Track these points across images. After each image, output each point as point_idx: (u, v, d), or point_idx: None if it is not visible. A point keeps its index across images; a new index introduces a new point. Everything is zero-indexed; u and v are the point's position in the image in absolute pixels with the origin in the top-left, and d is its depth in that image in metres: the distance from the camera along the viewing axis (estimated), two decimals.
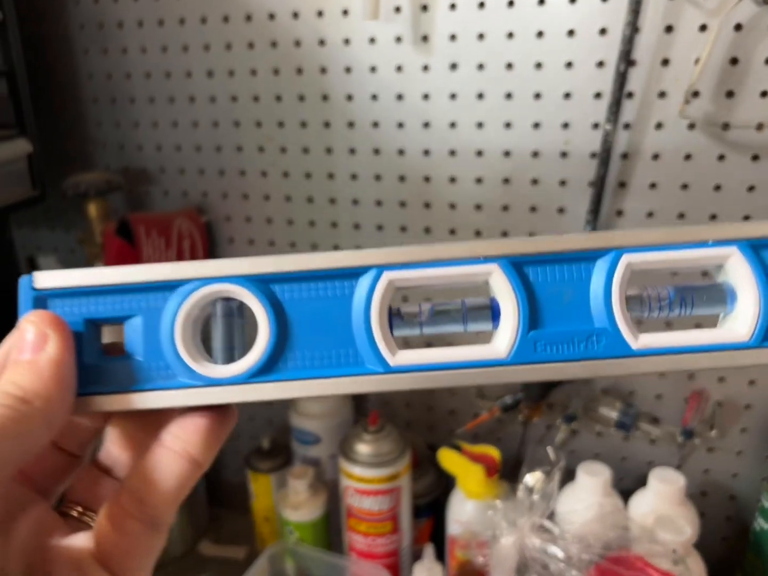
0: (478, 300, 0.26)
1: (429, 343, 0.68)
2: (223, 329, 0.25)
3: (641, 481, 0.63)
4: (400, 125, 0.66)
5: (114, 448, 0.26)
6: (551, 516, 0.54)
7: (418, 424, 0.78)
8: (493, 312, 0.25)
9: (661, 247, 0.24)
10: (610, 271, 0.24)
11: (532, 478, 0.54)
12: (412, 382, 0.24)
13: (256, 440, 0.80)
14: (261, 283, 0.24)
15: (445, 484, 0.71)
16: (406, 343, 0.69)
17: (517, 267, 0.24)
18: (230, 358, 0.25)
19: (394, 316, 0.25)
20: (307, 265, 0.24)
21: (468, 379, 0.24)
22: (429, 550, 0.63)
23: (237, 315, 0.25)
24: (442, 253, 0.24)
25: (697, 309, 0.25)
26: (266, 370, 0.24)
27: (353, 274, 0.24)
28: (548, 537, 0.50)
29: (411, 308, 0.25)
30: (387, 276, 0.24)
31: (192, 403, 0.24)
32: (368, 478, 0.64)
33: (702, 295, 0.25)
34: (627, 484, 0.68)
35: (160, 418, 0.24)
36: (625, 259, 0.24)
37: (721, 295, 0.25)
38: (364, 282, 0.24)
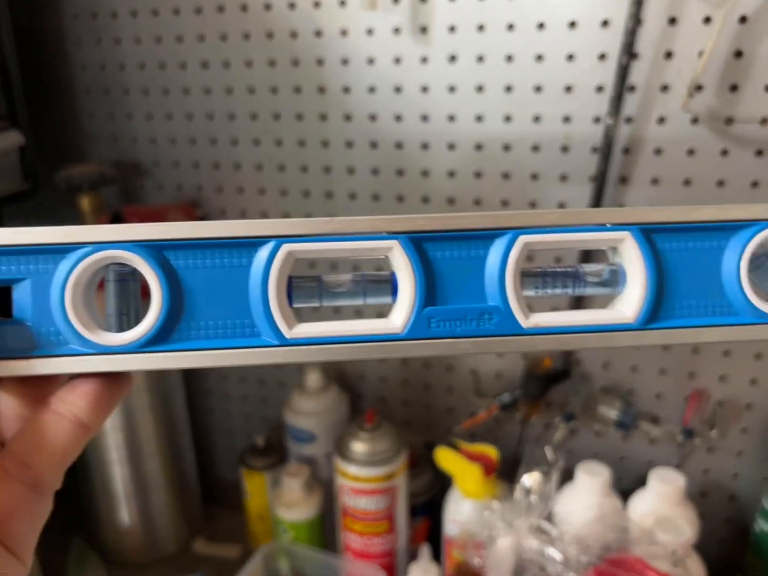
0: (379, 274, 0.26)
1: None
2: (116, 295, 0.24)
3: (641, 481, 0.63)
4: (398, 118, 0.65)
5: (1, 418, 0.25)
6: (549, 517, 0.53)
7: (416, 423, 0.77)
8: (392, 287, 0.25)
9: (558, 229, 0.24)
10: (506, 250, 0.24)
11: (529, 479, 0.53)
12: (308, 355, 0.24)
13: (251, 438, 0.79)
14: (154, 250, 0.23)
15: (443, 483, 0.70)
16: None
17: (417, 244, 0.24)
18: (124, 324, 0.24)
19: (294, 287, 0.25)
20: (203, 233, 0.23)
21: (364, 353, 0.24)
22: (425, 551, 0.62)
23: (132, 281, 0.25)
24: (344, 227, 0.24)
25: (591, 288, 0.26)
26: (159, 339, 0.23)
27: (252, 244, 0.24)
28: (546, 538, 0.49)
29: (310, 281, 0.26)
30: (286, 248, 0.23)
31: (83, 370, 0.23)
32: (364, 477, 0.63)
33: (595, 275, 0.26)
34: (626, 484, 0.67)
35: (50, 385, 0.24)
36: (522, 239, 0.24)
37: (615, 277, 0.26)
38: (262, 253, 0.24)
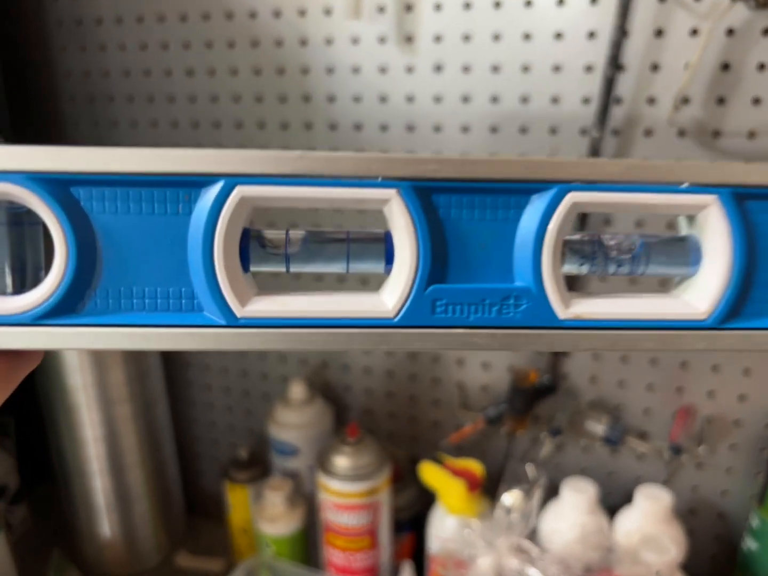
0: (369, 231, 0.19)
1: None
2: (9, 245, 0.18)
3: (629, 497, 0.61)
4: (383, 128, 0.64)
5: None
6: (532, 534, 0.52)
7: (402, 436, 0.76)
8: (387, 250, 0.19)
9: (619, 187, 0.18)
10: (547, 212, 0.18)
11: (510, 497, 0.52)
12: (265, 341, 0.17)
13: (236, 449, 0.78)
14: (56, 186, 0.16)
15: (428, 498, 0.69)
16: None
17: (424, 196, 0.18)
18: (23, 282, 0.19)
19: (252, 246, 0.18)
20: (126, 166, 0.16)
21: (340, 342, 0.18)
22: (407, 567, 0.61)
23: (28, 224, 0.18)
24: (322, 167, 0.17)
25: (652, 268, 0.20)
26: (64, 309, 0.17)
27: (193, 183, 0.17)
28: (527, 558, 0.48)
29: (276, 235, 0.19)
30: (240, 191, 0.17)
31: None
32: (346, 492, 0.62)
33: (662, 250, 0.20)
34: (615, 500, 0.66)
35: None
36: (571, 197, 0.18)
37: (685, 254, 0.19)
38: (208, 196, 0.17)
